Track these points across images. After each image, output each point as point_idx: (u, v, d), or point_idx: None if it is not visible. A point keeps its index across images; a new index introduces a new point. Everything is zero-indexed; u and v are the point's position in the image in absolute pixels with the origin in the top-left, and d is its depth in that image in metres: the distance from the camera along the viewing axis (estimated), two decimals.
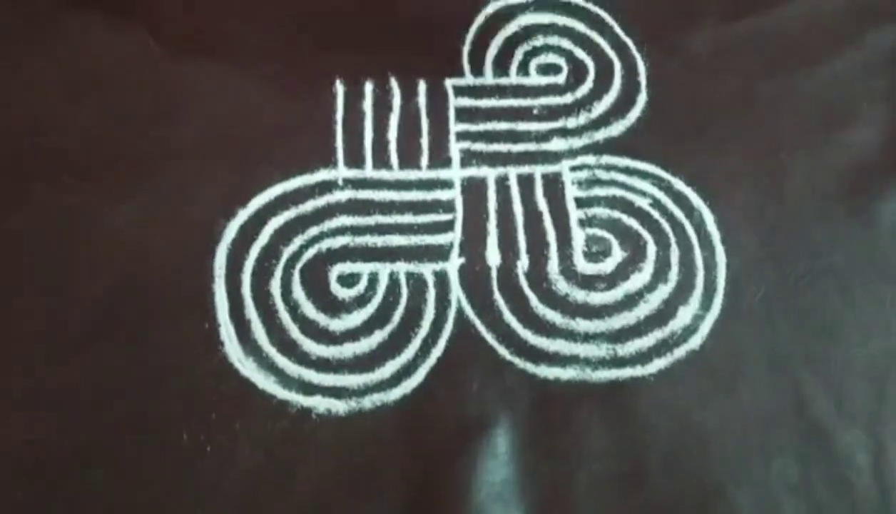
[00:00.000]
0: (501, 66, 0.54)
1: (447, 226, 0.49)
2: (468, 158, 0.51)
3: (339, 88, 0.52)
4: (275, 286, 0.46)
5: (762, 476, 0.43)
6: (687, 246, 0.48)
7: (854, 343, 0.46)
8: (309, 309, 0.46)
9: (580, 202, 0.50)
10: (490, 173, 0.50)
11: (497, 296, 0.47)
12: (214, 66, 0.52)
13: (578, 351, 0.45)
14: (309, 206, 0.49)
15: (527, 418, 0.44)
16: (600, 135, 0.52)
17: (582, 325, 0.46)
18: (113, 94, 0.51)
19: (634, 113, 0.52)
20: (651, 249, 0.48)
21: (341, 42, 0.53)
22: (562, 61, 0.54)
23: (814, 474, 0.43)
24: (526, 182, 0.50)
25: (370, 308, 0.46)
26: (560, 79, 0.54)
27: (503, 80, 0.53)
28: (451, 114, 0.52)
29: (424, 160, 0.50)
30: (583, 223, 0.49)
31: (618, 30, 0.55)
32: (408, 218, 0.49)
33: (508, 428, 0.43)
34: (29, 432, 0.42)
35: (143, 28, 0.53)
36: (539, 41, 0.55)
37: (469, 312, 0.46)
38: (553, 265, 0.48)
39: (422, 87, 0.52)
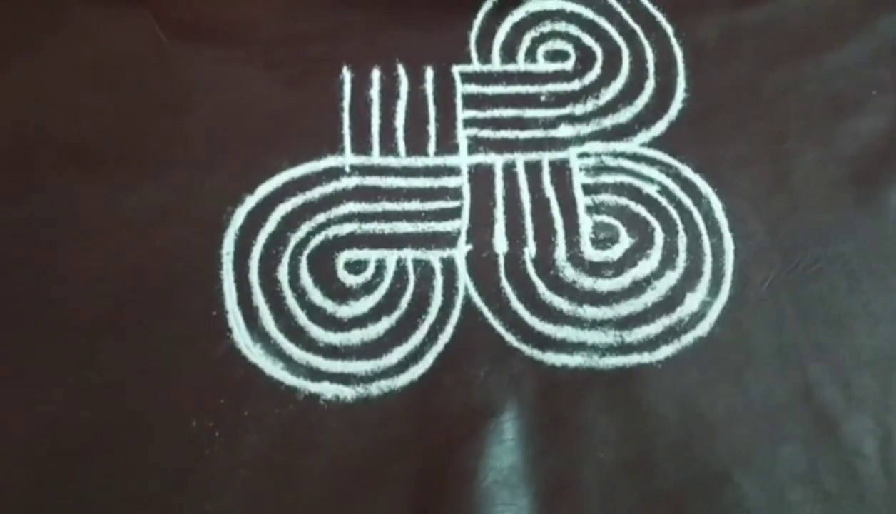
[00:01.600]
0: (509, 53, 0.53)
1: (454, 213, 0.48)
2: (475, 145, 0.50)
3: (347, 75, 0.52)
4: (282, 273, 0.46)
5: (769, 464, 0.42)
6: (695, 233, 0.48)
7: (861, 332, 0.46)
8: (316, 296, 0.46)
9: (588, 189, 0.49)
10: (497, 160, 0.50)
11: (504, 283, 0.47)
12: (221, 54, 0.52)
13: (586, 338, 0.45)
14: (316, 192, 0.49)
15: (534, 405, 0.44)
16: (608, 121, 0.51)
17: (589, 312, 0.46)
18: (121, 84, 0.51)
19: (642, 100, 0.52)
20: (659, 236, 0.48)
21: (348, 28, 0.53)
22: (569, 48, 0.54)
23: (821, 462, 0.43)
24: (533, 169, 0.50)
25: (377, 295, 0.46)
26: (568, 65, 0.53)
27: (511, 67, 0.53)
28: (459, 100, 0.52)
29: (432, 147, 0.50)
30: (590, 210, 0.49)
31: (626, 16, 0.55)
32: (415, 205, 0.49)
33: (515, 415, 0.43)
34: (39, 421, 0.42)
35: (150, 16, 0.53)
36: (547, 27, 0.55)
37: (476, 299, 0.46)
38: (560, 252, 0.48)
39: (429, 73, 0.52)
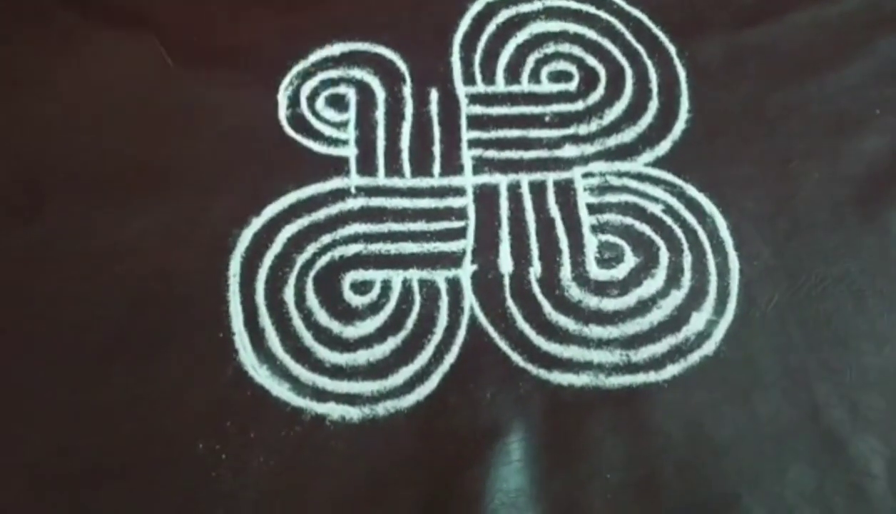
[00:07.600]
0: (513, 74, 0.54)
1: (460, 233, 0.49)
2: (480, 166, 0.51)
3: (353, 97, 0.52)
4: (288, 294, 0.47)
5: (778, 485, 0.42)
6: (700, 252, 0.48)
7: (868, 351, 0.46)
8: (322, 316, 0.46)
9: (592, 208, 0.50)
10: (502, 180, 0.50)
11: (510, 303, 0.47)
12: (227, 77, 0.52)
13: (592, 357, 0.45)
14: (322, 214, 0.49)
15: (541, 425, 0.44)
16: (612, 141, 0.52)
17: (595, 331, 0.46)
18: (127, 108, 0.52)
19: (646, 120, 0.52)
20: (664, 255, 0.48)
21: (354, 53, 0.53)
22: (573, 69, 0.54)
23: (828, 482, 0.43)
24: (538, 189, 0.50)
25: (383, 315, 0.46)
26: (571, 86, 0.54)
27: (515, 88, 0.53)
28: (464, 121, 0.52)
29: (437, 168, 0.51)
30: (595, 229, 0.49)
31: (629, 37, 0.55)
32: (420, 225, 0.49)
33: (522, 435, 0.43)
34: (49, 444, 0.42)
35: (157, 41, 0.53)
36: (550, 48, 0.55)
37: (482, 319, 0.46)
38: (566, 272, 0.48)
39: (434, 95, 0.53)
